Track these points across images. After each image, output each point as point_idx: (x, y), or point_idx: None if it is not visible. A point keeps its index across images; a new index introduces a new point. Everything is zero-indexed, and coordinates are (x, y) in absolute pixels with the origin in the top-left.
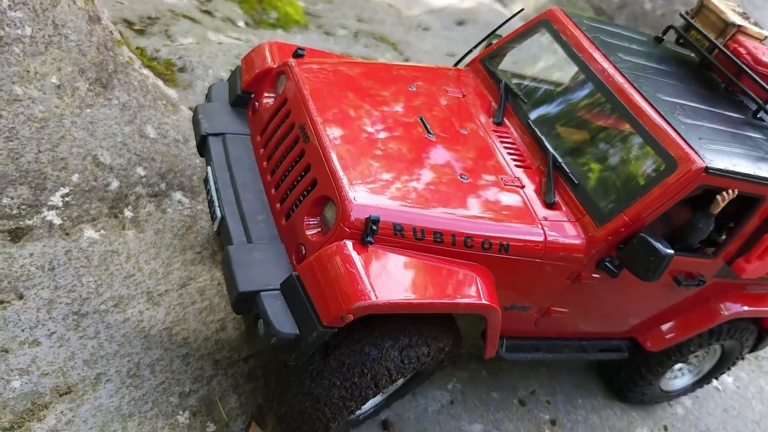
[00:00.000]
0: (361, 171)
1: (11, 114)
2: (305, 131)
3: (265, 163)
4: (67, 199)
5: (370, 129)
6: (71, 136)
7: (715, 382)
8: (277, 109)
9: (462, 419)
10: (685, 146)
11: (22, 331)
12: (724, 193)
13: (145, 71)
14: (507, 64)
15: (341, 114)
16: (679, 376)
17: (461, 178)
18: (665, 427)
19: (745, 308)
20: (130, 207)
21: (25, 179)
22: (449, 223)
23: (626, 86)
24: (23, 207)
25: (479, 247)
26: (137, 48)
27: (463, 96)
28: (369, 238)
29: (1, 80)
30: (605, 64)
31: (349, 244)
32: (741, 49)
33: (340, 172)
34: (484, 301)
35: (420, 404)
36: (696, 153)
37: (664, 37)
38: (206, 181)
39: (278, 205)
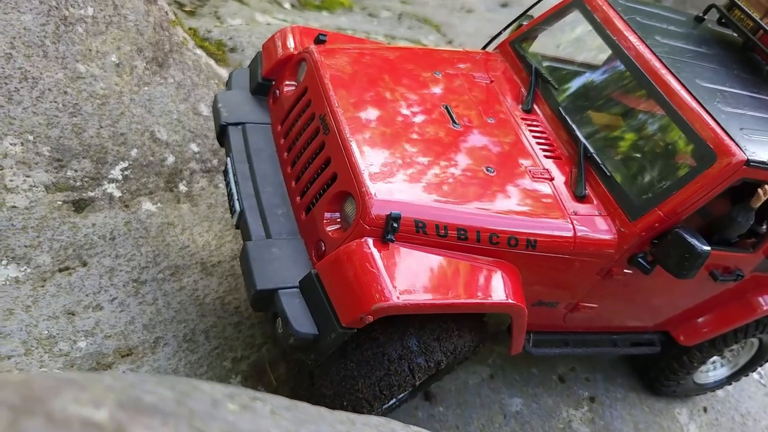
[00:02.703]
0: (383, 165)
1: (75, 91)
2: (325, 122)
3: (285, 154)
4: (126, 172)
5: (392, 119)
6: (130, 113)
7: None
8: (298, 97)
9: (502, 393)
10: (725, 137)
11: (86, 296)
12: (766, 186)
13: (198, 51)
14: (538, 46)
15: (362, 104)
16: (713, 369)
17: (487, 171)
18: (705, 409)
19: None
20: (184, 182)
21: (87, 153)
22: (474, 219)
23: (663, 72)
24: (86, 179)
25: (505, 244)
26: (190, 28)
27: (491, 82)
28: (390, 236)
29: (65, 59)
30: (641, 48)
31: (369, 241)
32: None
33: (361, 167)
34: (509, 301)
35: (461, 377)
36: (737, 145)
37: (705, 17)
38: (225, 172)
39: (298, 198)
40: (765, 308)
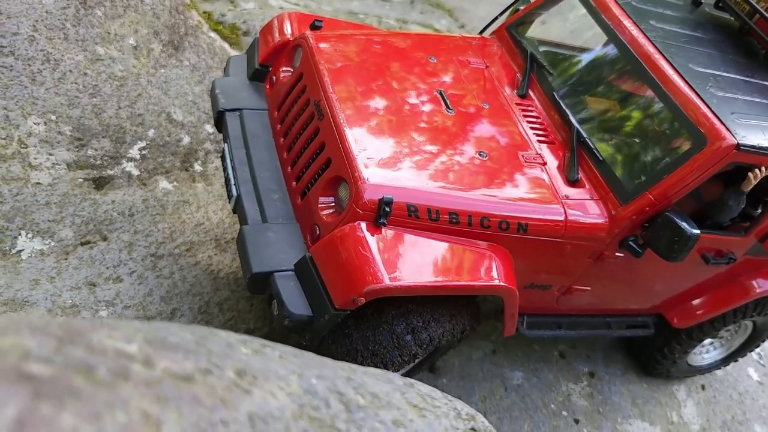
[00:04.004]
0: (376, 150)
1: (94, 72)
2: (320, 108)
3: (281, 140)
4: (144, 152)
5: (386, 105)
6: (147, 94)
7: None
8: (294, 83)
9: (504, 367)
10: (716, 121)
11: (107, 268)
12: (757, 170)
13: (213, 34)
14: (535, 30)
15: (357, 90)
16: (707, 351)
17: (480, 155)
18: (703, 387)
19: None
20: (199, 162)
21: (107, 133)
22: (465, 203)
23: (656, 56)
24: (105, 158)
25: (496, 228)
26: (204, 12)
27: (487, 67)
28: (382, 220)
29: (85, 41)
30: (635, 33)
31: (362, 225)
32: None
33: (354, 152)
34: (500, 283)
35: (464, 352)
36: (727, 129)
37: (702, 1)
38: (223, 157)
39: (294, 183)
40: (758, 291)
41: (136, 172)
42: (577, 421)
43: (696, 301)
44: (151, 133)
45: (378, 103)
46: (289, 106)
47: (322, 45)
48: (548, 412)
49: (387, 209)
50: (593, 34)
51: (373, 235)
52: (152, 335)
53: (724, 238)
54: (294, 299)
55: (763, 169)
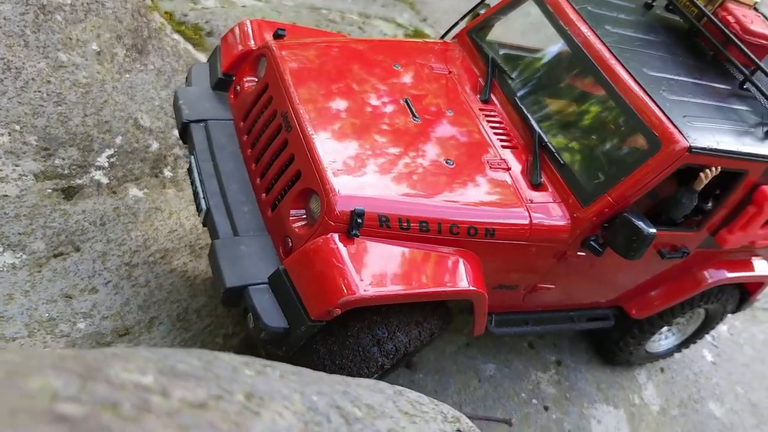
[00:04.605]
0: (345, 161)
1: (58, 80)
2: (287, 120)
3: (248, 151)
4: (112, 159)
5: (353, 115)
6: (113, 100)
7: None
8: (259, 94)
9: (477, 359)
10: (669, 125)
11: (82, 279)
12: (707, 170)
13: (176, 36)
14: (495, 34)
15: (324, 100)
16: (663, 339)
17: (446, 163)
18: (662, 369)
19: (728, 275)
20: (168, 167)
21: (74, 141)
22: (434, 212)
23: (612, 62)
24: (73, 167)
25: (465, 234)
26: (165, 12)
27: (450, 73)
28: (354, 231)
29: (47, 48)
30: (591, 38)
31: (334, 237)
32: (730, 18)
33: (324, 164)
34: (470, 288)
35: (439, 346)
36: (680, 132)
37: (654, 3)
38: (190, 170)
39: (264, 195)
40: (710, 281)
41: (105, 180)
42: (546, 408)
43: (652, 293)
44: (118, 140)
45: (344, 113)
46: (255, 117)
47: (287, 55)
48: (519, 401)
49: (359, 221)
50: (550, 38)
51: (346, 247)
52: (162, 364)
53: (679, 233)
54: (269, 312)
55: (714, 169)
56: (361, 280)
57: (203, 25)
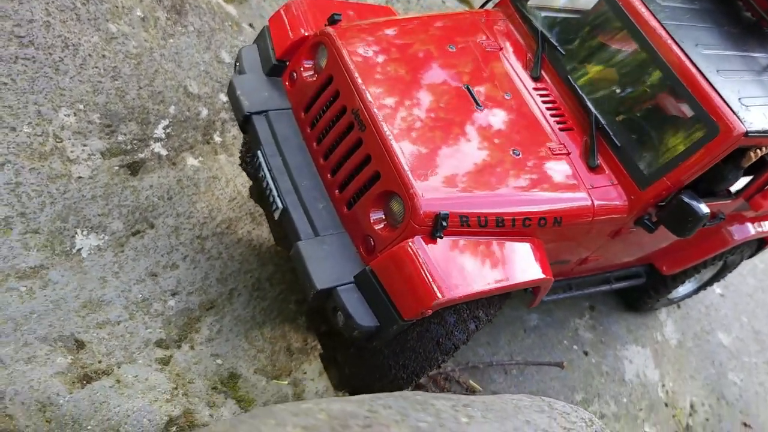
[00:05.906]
0: (424, 161)
1: (112, 53)
2: (360, 118)
3: (315, 145)
4: (168, 130)
5: (422, 108)
6: (163, 69)
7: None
8: (322, 86)
9: (521, 311)
10: (727, 111)
11: (162, 256)
12: (758, 150)
13: None
14: None
15: (392, 96)
16: (683, 285)
17: (513, 153)
18: (678, 305)
19: (753, 231)
20: (218, 132)
21: (132, 115)
22: (509, 207)
23: (669, 42)
24: (135, 142)
25: (536, 225)
26: None
27: (500, 49)
28: (439, 233)
29: (97, 19)
30: (646, 15)
31: (420, 240)
32: None
33: (405, 167)
34: (542, 276)
35: None
36: (738, 117)
37: None
38: (259, 166)
39: (337, 192)
40: (736, 238)
41: (164, 152)
42: (586, 353)
43: (683, 251)
44: (172, 109)
45: (413, 106)
46: (320, 110)
47: (348, 44)
48: (563, 348)
49: (444, 224)
50: None
51: (433, 249)
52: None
53: (720, 203)
54: (360, 311)
55: (764, 148)
56: (450, 282)
57: None
